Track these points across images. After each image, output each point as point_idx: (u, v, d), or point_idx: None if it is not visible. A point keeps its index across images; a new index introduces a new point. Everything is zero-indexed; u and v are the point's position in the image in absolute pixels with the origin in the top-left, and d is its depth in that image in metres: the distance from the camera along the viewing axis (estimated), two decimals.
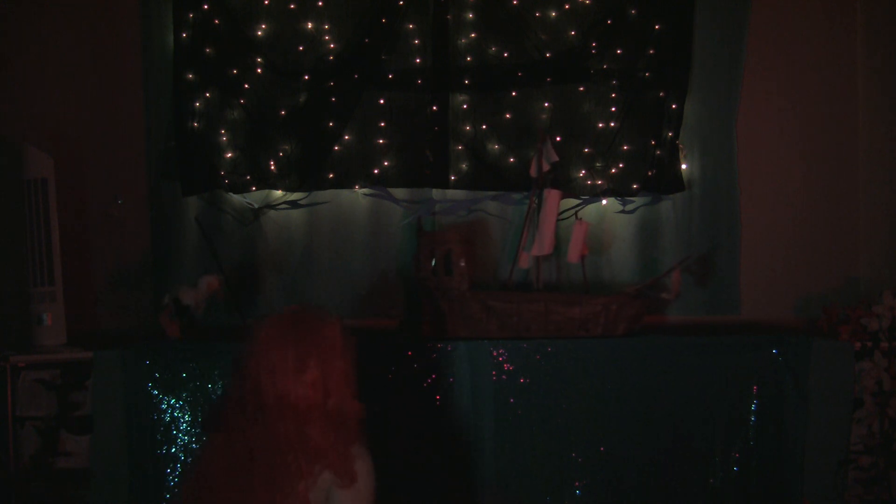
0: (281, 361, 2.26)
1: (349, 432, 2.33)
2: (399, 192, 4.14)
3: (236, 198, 4.07)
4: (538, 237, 3.81)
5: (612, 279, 4.16)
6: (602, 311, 3.71)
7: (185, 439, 3.44)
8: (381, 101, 4.07)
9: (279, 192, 4.10)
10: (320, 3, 4.05)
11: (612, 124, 4.14)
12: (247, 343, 2.31)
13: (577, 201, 4.13)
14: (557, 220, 4.02)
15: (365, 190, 4.11)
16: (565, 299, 3.75)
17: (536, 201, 3.88)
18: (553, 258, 3.99)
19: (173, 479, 3.41)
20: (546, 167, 3.88)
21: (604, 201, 4.17)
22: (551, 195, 3.82)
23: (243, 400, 2.27)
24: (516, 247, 3.95)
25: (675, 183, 4.17)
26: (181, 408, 3.45)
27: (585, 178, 4.14)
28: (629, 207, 4.20)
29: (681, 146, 4.18)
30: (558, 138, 4.11)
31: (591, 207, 4.16)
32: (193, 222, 4.01)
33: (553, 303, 3.72)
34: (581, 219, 3.93)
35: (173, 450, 3.43)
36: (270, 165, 4.04)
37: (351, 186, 4.10)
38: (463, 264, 3.70)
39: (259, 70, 4.04)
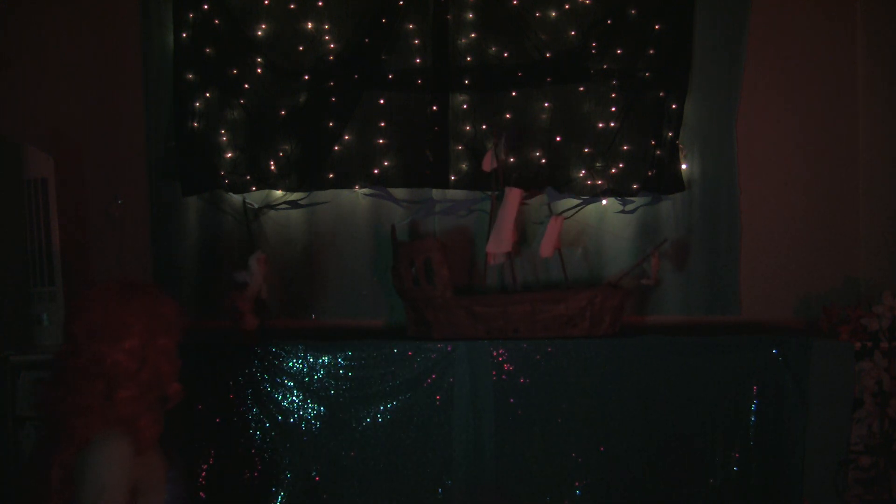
0: (101, 323, 2.21)
1: (157, 409, 2.29)
2: (399, 192, 4.14)
3: (236, 198, 4.07)
4: (495, 233, 3.83)
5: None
6: (587, 305, 3.71)
7: None
8: (381, 101, 4.07)
9: (279, 192, 4.10)
10: (320, 3, 4.05)
11: (612, 124, 4.14)
12: (73, 305, 2.26)
13: (577, 201, 4.13)
14: (541, 222, 4.03)
15: (365, 190, 4.11)
16: (550, 297, 3.74)
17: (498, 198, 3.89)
18: (536, 258, 4.00)
19: None
20: (495, 164, 3.90)
21: (604, 201, 4.17)
22: (512, 193, 3.83)
23: (60, 361, 2.23)
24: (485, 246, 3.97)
25: (675, 183, 4.16)
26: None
27: (585, 178, 4.13)
28: (629, 207, 4.20)
29: (681, 146, 4.18)
30: (558, 138, 4.11)
31: (591, 207, 4.16)
32: (194, 220, 4.04)
33: (539, 302, 3.71)
34: (555, 214, 3.93)
35: None
36: (270, 165, 4.04)
37: (351, 186, 4.10)
38: (445, 272, 3.68)
39: (259, 70, 4.04)
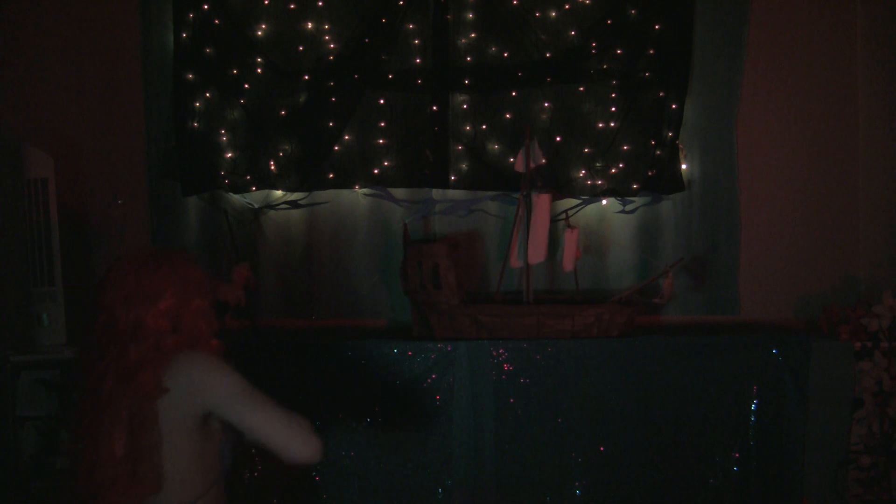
0: (135, 290, 2.23)
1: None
2: (399, 192, 4.14)
3: (236, 198, 4.07)
4: (532, 244, 3.74)
5: (612, 279, 4.16)
6: (594, 323, 3.68)
7: None
8: (381, 101, 4.07)
9: (279, 192, 4.10)
10: (320, 3, 4.05)
11: (612, 124, 4.14)
12: (104, 276, 2.28)
13: (576, 201, 4.13)
14: (555, 221, 4.02)
15: (365, 190, 4.12)
16: (557, 312, 3.70)
17: (525, 202, 3.82)
18: (545, 264, 3.97)
19: None
20: (532, 166, 3.81)
21: (604, 201, 4.17)
22: (541, 200, 3.75)
23: (97, 333, 2.24)
24: (506, 248, 3.93)
25: (675, 183, 4.16)
26: None
27: (585, 178, 4.13)
28: (629, 207, 4.20)
29: (681, 146, 4.18)
30: (558, 138, 4.11)
31: (591, 207, 4.16)
32: (194, 220, 4.05)
33: (545, 316, 3.68)
34: (571, 226, 3.90)
35: None
36: (270, 165, 4.05)
37: (351, 186, 4.10)
38: (452, 279, 3.65)
39: (259, 70, 4.04)
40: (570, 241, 3.84)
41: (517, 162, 3.83)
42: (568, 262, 3.85)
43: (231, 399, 2.23)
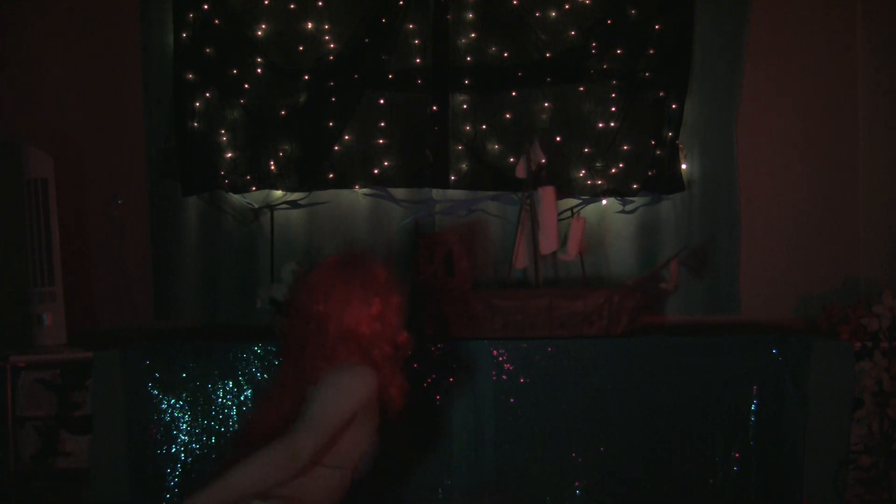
0: (348, 299, 2.50)
1: (397, 358, 2.59)
2: (399, 192, 4.14)
3: (236, 198, 4.07)
4: (543, 235, 3.78)
5: (613, 279, 4.16)
6: (605, 304, 3.69)
7: (184, 439, 3.44)
8: (381, 101, 4.07)
9: (279, 192, 4.10)
10: (320, 3, 4.06)
11: (612, 124, 4.14)
12: (308, 289, 2.54)
13: (577, 201, 4.13)
14: (559, 221, 4.02)
15: (365, 190, 4.12)
16: (568, 294, 3.72)
17: (528, 202, 3.84)
18: (550, 256, 3.98)
19: (173, 479, 3.42)
20: (534, 168, 3.84)
21: (604, 201, 4.17)
22: (547, 192, 3.78)
23: (304, 339, 2.50)
24: (512, 248, 3.93)
25: (675, 183, 4.16)
26: (181, 408, 3.45)
27: (585, 178, 4.13)
28: (629, 207, 4.20)
29: (681, 146, 4.18)
30: (558, 138, 4.12)
31: (590, 207, 4.16)
32: (194, 220, 4.05)
33: (557, 298, 3.69)
34: (578, 215, 3.91)
35: (173, 450, 3.43)
36: (270, 165, 4.05)
37: (351, 186, 4.10)
38: (465, 264, 3.68)
39: (259, 70, 4.04)
40: (575, 229, 3.86)
41: (518, 168, 3.86)
42: (571, 251, 3.86)
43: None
